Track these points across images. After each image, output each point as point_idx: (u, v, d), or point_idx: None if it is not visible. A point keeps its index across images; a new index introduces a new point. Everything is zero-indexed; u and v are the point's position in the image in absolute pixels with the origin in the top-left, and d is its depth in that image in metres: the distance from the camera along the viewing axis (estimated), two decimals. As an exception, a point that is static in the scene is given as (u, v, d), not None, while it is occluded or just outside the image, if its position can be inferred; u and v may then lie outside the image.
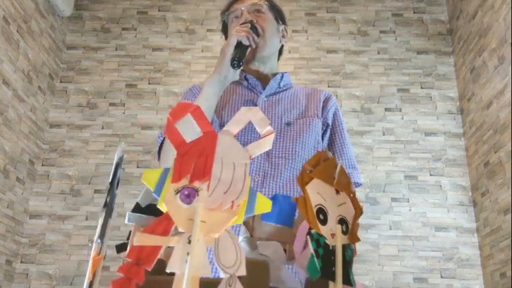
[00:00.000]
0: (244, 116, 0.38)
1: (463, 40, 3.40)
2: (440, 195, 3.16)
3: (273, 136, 0.38)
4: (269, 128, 0.38)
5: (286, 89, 1.18)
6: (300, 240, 0.42)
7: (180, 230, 0.32)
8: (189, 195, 0.33)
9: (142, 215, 0.44)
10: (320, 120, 1.12)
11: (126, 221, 0.44)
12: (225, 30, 1.26)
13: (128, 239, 0.44)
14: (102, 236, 0.39)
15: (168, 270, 0.31)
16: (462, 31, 3.43)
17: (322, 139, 1.12)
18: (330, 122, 1.14)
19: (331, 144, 1.13)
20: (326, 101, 1.16)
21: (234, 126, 0.37)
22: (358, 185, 1.07)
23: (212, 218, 0.33)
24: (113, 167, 0.41)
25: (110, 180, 0.41)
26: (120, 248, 0.44)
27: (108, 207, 0.40)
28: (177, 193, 0.33)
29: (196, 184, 0.34)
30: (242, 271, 0.32)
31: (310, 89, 1.20)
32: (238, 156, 0.36)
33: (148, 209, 0.44)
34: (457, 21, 3.54)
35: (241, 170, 0.36)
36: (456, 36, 3.54)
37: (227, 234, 0.33)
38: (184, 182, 0.34)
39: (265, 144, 0.37)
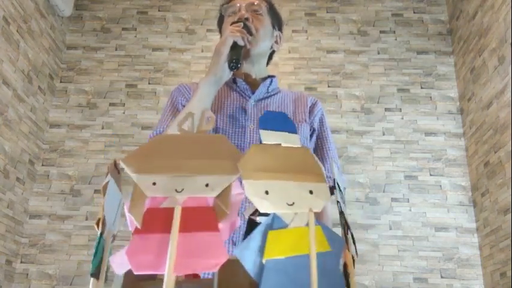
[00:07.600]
0: None
1: (463, 40, 3.40)
2: (440, 195, 3.16)
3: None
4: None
5: (274, 94, 1.18)
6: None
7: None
8: None
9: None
10: (308, 125, 1.13)
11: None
12: (220, 22, 1.27)
13: None
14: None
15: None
16: (462, 31, 3.43)
17: None
18: (316, 127, 1.15)
19: (316, 149, 1.14)
20: (312, 106, 1.17)
21: None
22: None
23: None
24: None
25: None
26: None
27: None
28: None
29: None
30: None
31: (297, 94, 1.21)
32: None
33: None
34: (457, 21, 3.54)
35: None
36: (456, 36, 3.54)
37: None
38: None
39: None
